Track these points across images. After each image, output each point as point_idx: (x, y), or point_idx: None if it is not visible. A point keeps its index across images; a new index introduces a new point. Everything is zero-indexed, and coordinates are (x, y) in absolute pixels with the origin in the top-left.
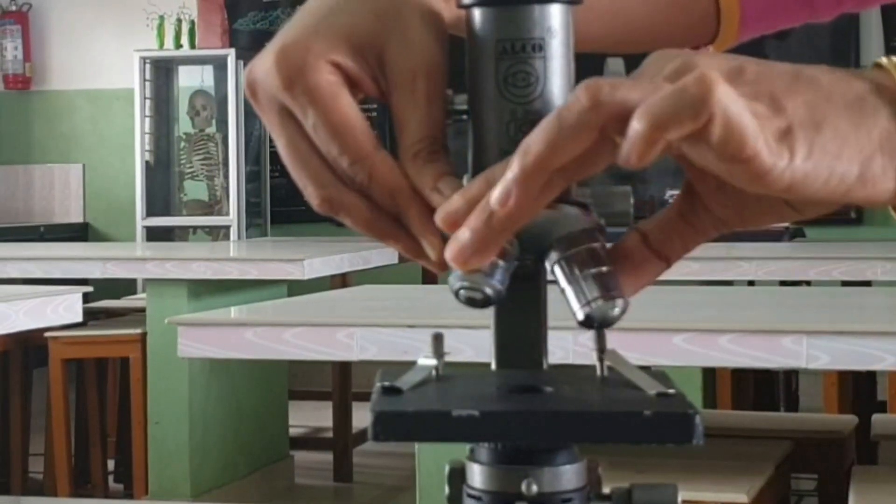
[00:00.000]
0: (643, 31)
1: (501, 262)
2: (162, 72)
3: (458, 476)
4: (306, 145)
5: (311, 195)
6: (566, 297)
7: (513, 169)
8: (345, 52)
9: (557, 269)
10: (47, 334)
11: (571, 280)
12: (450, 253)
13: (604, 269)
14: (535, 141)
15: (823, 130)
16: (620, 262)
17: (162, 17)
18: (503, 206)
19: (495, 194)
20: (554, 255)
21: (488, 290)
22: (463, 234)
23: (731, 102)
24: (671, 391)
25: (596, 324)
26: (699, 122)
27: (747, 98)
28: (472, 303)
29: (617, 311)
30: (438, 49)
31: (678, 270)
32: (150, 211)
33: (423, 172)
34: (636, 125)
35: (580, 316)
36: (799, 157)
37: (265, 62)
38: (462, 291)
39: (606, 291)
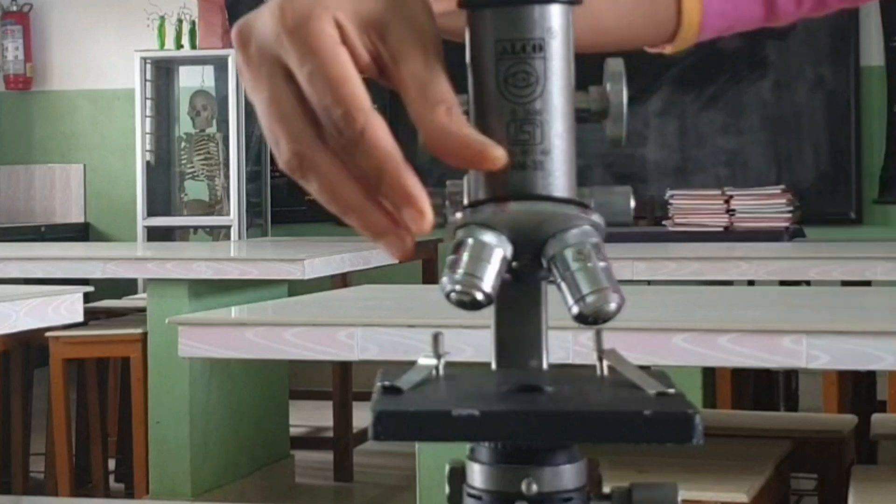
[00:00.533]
0: (612, 34)
1: (492, 266)
2: (163, 72)
3: (458, 475)
4: (290, 99)
5: (283, 150)
6: (561, 293)
7: None
8: (350, 18)
9: (553, 266)
10: (48, 334)
11: (566, 276)
12: None
13: (599, 264)
14: None
15: None
16: None
17: (162, 18)
18: None
19: None
20: (549, 252)
21: (478, 295)
22: None
23: None
24: (671, 391)
25: (591, 319)
26: None
27: None
28: (462, 305)
29: (612, 306)
30: (439, 38)
31: (678, 270)
32: (151, 211)
33: (461, 123)
34: None
35: (574, 311)
36: None
37: (265, 12)
38: (453, 294)
39: (601, 286)
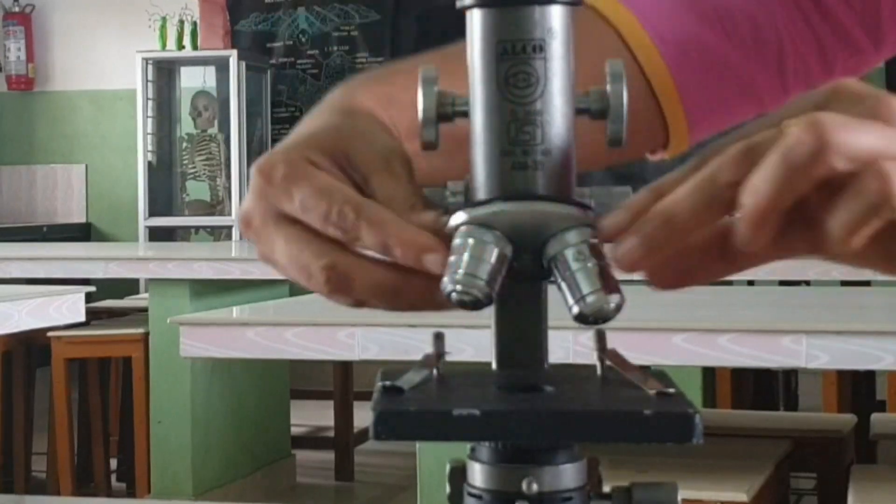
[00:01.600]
0: (599, 149)
1: (492, 266)
2: (164, 73)
3: (458, 475)
4: (301, 231)
5: (315, 272)
6: (562, 292)
7: (744, 213)
8: (318, 154)
9: (553, 266)
10: (50, 334)
11: (566, 276)
12: (620, 256)
13: (599, 264)
14: (761, 183)
15: None
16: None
17: (164, 19)
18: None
19: (738, 242)
20: (550, 252)
21: (479, 295)
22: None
23: None
24: (671, 390)
25: (591, 319)
26: None
27: None
28: (463, 305)
29: (612, 305)
30: (402, 152)
31: None
32: (153, 211)
33: (424, 216)
34: (842, 221)
35: (574, 311)
36: None
37: (249, 192)
38: (454, 294)
39: (600, 286)
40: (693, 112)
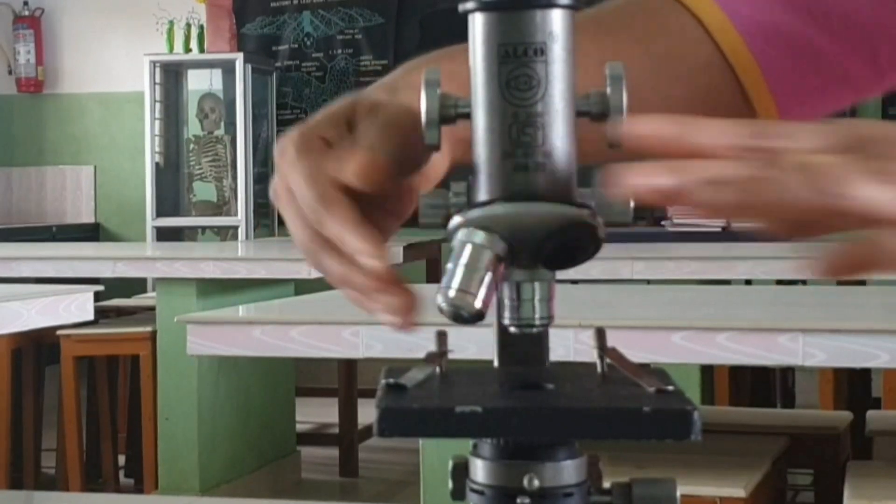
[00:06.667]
0: None
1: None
2: (171, 75)
3: (461, 471)
4: (295, 209)
5: (298, 230)
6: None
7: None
8: (330, 128)
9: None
10: (59, 332)
11: (453, 261)
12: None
13: (479, 269)
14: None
15: None
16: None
17: (171, 22)
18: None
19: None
20: (460, 233)
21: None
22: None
23: None
24: (670, 388)
25: (449, 313)
26: None
27: None
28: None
29: (462, 308)
30: (411, 113)
31: (677, 270)
32: (160, 211)
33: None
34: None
35: (437, 300)
36: None
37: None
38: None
39: (465, 287)
40: (782, 99)
